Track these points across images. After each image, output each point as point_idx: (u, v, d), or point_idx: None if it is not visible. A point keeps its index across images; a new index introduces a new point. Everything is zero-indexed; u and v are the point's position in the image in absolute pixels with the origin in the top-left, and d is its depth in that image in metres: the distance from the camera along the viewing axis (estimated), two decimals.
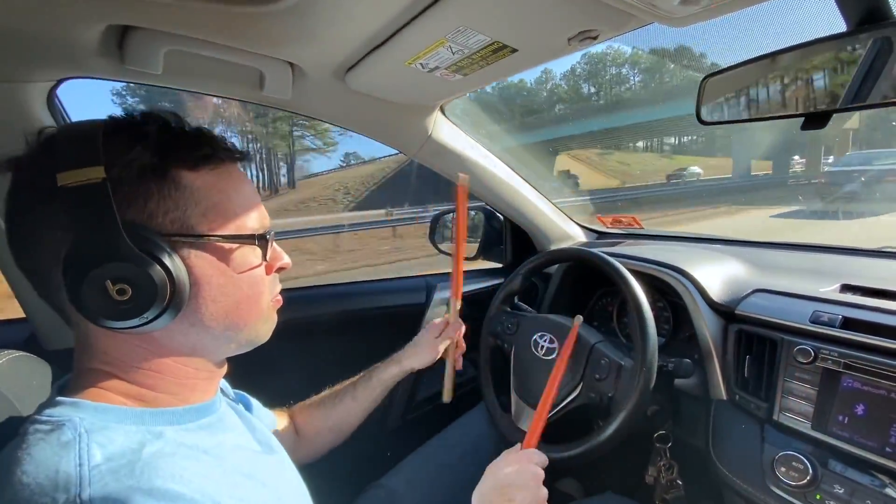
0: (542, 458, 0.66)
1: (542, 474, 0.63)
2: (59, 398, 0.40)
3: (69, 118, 0.78)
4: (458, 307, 0.90)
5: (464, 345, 0.91)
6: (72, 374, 0.45)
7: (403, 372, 0.86)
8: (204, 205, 0.43)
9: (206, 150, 0.44)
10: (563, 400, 0.84)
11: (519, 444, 0.69)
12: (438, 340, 0.88)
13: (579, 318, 0.82)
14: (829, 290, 0.82)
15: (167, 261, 0.40)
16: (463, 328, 0.90)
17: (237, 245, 0.45)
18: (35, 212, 0.40)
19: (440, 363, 0.90)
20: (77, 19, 0.58)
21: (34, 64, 0.68)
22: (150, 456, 0.38)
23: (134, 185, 0.40)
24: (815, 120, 0.54)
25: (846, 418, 0.65)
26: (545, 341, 0.91)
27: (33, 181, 0.40)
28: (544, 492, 0.61)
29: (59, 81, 0.74)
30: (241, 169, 0.49)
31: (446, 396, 0.89)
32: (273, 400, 0.76)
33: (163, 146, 0.41)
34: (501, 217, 1.37)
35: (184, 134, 0.44)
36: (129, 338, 0.43)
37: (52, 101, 0.75)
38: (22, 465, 0.35)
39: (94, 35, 0.61)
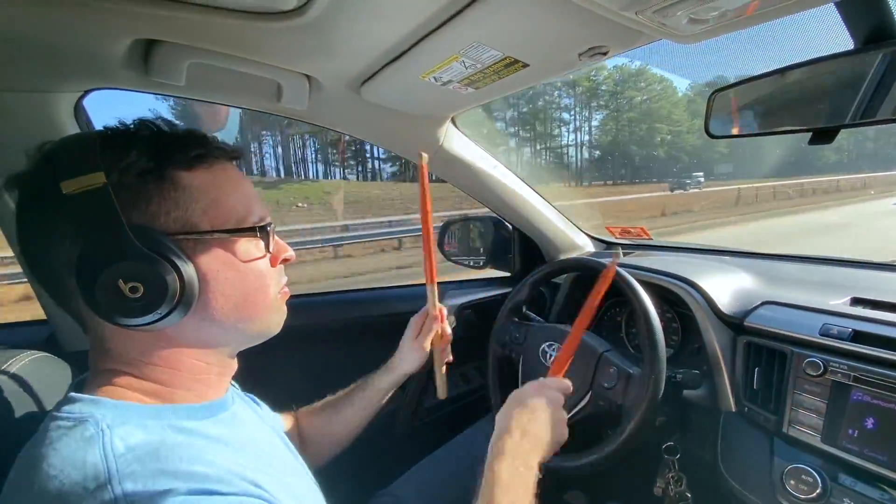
0: (564, 385, 0.67)
1: (561, 399, 0.65)
2: (79, 395, 0.42)
3: (94, 128, 0.80)
4: (436, 293, 0.83)
5: (449, 333, 0.84)
6: (87, 374, 0.47)
7: (397, 378, 0.83)
8: (203, 202, 0.45)
9: (198, 150, 0.46)
10: (572, 409, 0.84)
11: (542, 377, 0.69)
12: (422, 338, 0.83)
13: (619, 254, 0.78)
14: (840, 302, 0.82)
15: (174, 258, 0.41)
16: (444, 312, 0.85)
17: (239, 238, 0.47)
18: (44, 223, 0.42)
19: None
20: (106, 33, 0.61)
21: (63, 75, 0.71)
22: (172, 444, 0.39)
23: (134, 189, 0.42)
24: (823, 135, 0.55)
25: (856, 432, 0.65)
26: (553, 350, 0.91)
27: (39, 193, 0.42)
28: (563, 414, 0.64)
29: (87, 92, 0.76)
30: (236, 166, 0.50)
31: (440, 393, 0.85)
32: (278, 406, 0.77)
33: (157, 149, 0.43)
34: (510, 226, 1.38)
35: (176, 137, 0.46)
36: (144, 336, 0.44)
37: (79, 111, 0.78)
38: (48, 460, 0.36)
39: (122, 48, 0.64)
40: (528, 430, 0.60)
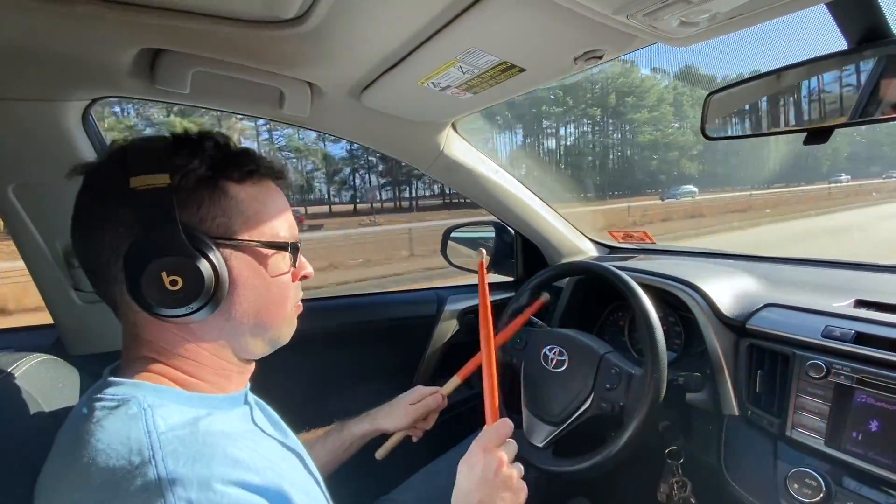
0: (503, 430, 0.62)
1: (499, 455, 0.59)
2: (119, 379, 0.45)
3: (102, 135, 0.82)
4: (457, 386, 0.89)
5: (432, 422, 0.88)
6: (118, 362, 0.49)
7: (372, 430, 0.83)
8: (246, 214, 0.48)
9: (251, 166, 0.49)
10: (575, 411, 0.84)
11: (483, 428, 0.64)
12: (414, 408, 0.84)
13: (482, 254, 0.78)
14: (843, 304, 0.81)
15: (213, 259, 0.45)
16: (445, 404, 0.88)
17: (271, 252, 0.50)
18: (105, 210, 0.45)
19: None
20: (113, 43, 0.63)
21: (71, 84, 0.73)
22: (206, 427, 0.42)
23: (190, 193, 0.45)
24: (818, 135, 0.55)
25: (860, 434, 0.64)
26: (555, 354, 0.91)
27: (106, 183, 0.45)
28: (509, 473, 0.59)
29: (94, 101, 0.78)
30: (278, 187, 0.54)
31: (379, 455, 0.85)
32: (283, 409, 0.77)
33: (216, 161, 0.47)
34: (512, 231, 1.38)
35: (233, 152, 0.50)
36: (172, 328, 0.47)
37: (86, 119, 0.80)
38: (95, 435, 0.39)
39: (129, 57, 0.66)
40: None
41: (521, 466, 0.61)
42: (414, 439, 0.87)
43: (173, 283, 0.43)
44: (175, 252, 0.43)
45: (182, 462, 0.37)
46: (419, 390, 0.87)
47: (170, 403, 0.43)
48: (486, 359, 0.70)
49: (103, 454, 0.38)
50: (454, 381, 0.89)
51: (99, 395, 0.43)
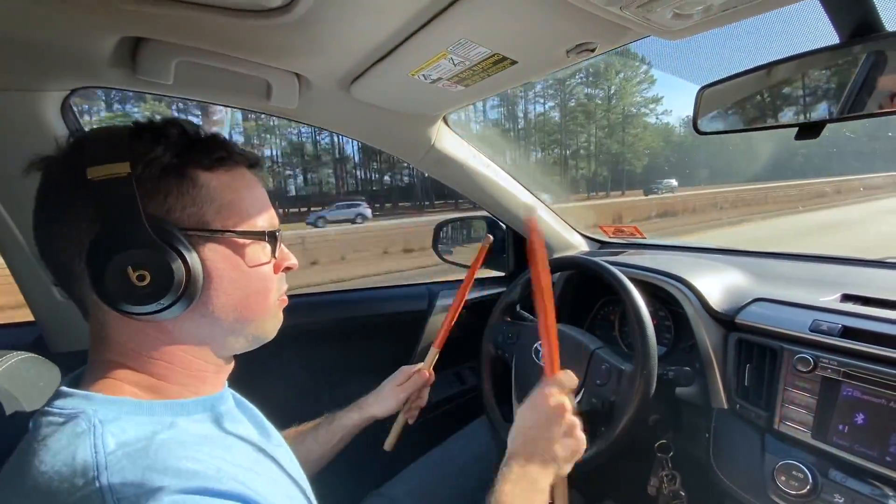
0: (565, 382, 0.63)
1: (566, 404, 0.61)
2: (70, 391, 0.42)
3: (82, 126, 0.80)
4: (436, 357, 0.88)
5: (425, 398, 0.87)
6: (85, 367, 0.47)
7: (364, 419, 0.82)
8: (218, 202, 0.46)
9: (221, 152, 0.47)
10: None
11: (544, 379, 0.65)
12: (402, 388, 0.84)
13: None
14: (830, 299, 0.82)
15: (184, 251, 0.42)
16: (432, 379, 0.87)
17: (248, 241, 0.48)
18: (64, 204, 0.43)
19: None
20: (92, 31, 0.61)
21: (50, 73, 0.70)
22: (162, 440, 0.39)
23: (155, 182, 0.43)
24: (809, 130, 0.55)
25: (846, 427, 0.65)
26: None
27: (64, 176, 0.43)
28: (571, 421, 0.61)
29: (74, 91, 0.76)
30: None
31: (388, 446, 0.85)
32: (275, 406, 0.76)
33: (182, 148, 0.44)
34: (504, 226, 1.38)
35: (201, 138, 0.47)
36: (144, 327, 0.45)
37: (65, 110, 0.77)
38: (38, 455, 0.37)
39: (109, 46, 0.64)
40: (535, 451, 0.59)
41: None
42: (410, 421, 0.87)
43: (140, 277, 0.41)
44: (140, 245, 0.41)
45: (130, 478, 0.35)
46: (404, 371, 0.87)
47: (126, 416, 0.41)
48: (543, 317, 0.65)
49: (45, 477, 0.36)
50: (433, 353, 0.89)
51: (47, 408, 0.41)
